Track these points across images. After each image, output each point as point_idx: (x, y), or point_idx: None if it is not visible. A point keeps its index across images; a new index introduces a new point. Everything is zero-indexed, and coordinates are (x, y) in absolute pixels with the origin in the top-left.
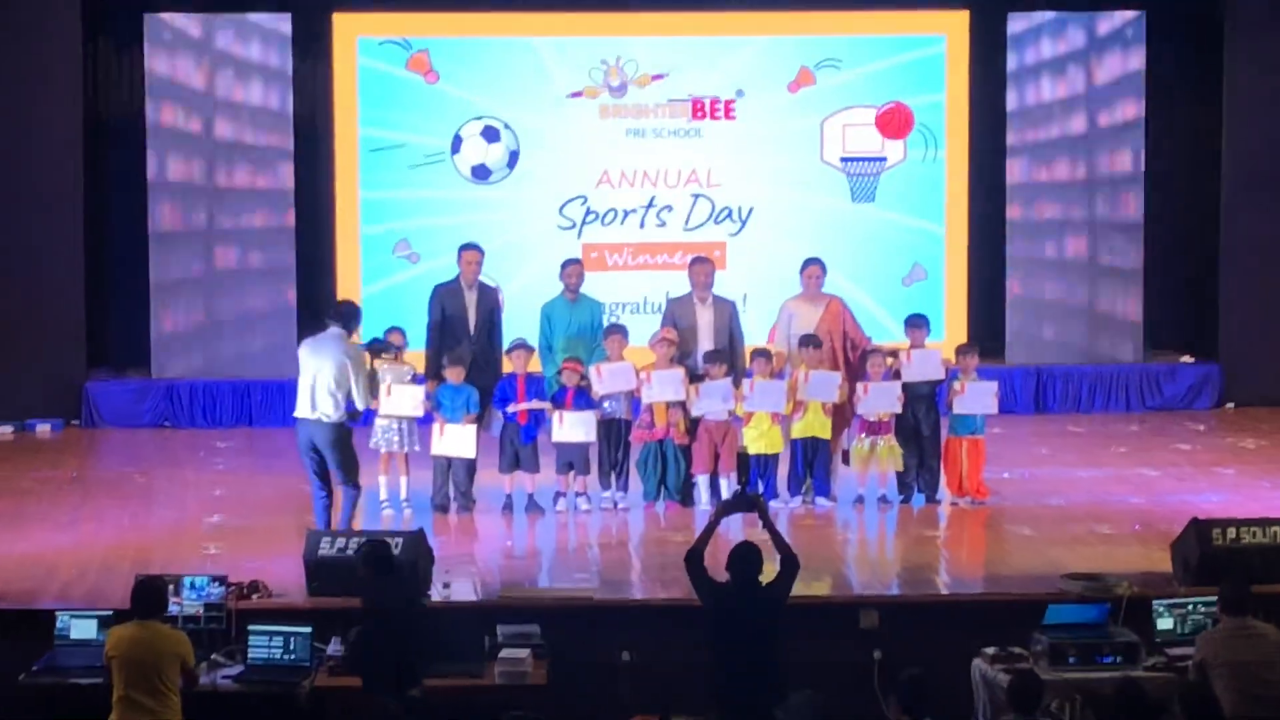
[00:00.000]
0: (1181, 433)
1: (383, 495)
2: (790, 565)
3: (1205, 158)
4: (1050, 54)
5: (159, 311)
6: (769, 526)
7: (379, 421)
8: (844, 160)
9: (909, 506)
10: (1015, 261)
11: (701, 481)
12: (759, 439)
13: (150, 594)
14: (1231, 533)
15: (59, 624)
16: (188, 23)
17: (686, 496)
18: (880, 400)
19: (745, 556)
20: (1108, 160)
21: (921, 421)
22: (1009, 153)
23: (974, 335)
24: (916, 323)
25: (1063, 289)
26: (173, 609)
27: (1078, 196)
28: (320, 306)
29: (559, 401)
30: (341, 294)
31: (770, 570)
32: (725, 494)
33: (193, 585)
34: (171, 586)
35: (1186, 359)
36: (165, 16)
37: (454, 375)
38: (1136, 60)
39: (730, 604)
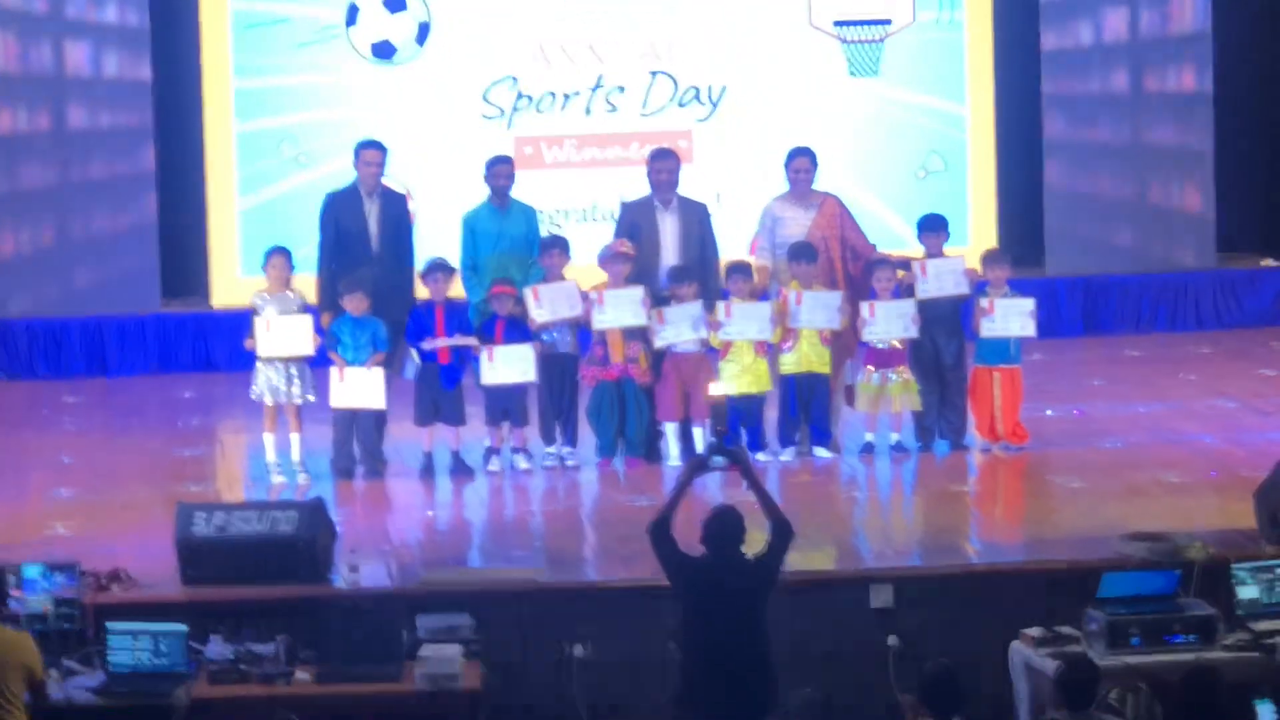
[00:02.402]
0: (1265, 355)
1: (270, 457)
2: (782, 533)
3: None
4: None
5: None
6: (754, 485)
7: (260, 366)
8: (838, 24)
9: (930, 455)
10: (1054, 147)
11: (670, 431)
12: (740, 375)
13: None
14: None
15: None
16: None
17: (651, 450)
18: (891, 323)
19: (725, 524)
20: (1166, 18)
21: (942, 349)
22: (1043, 11)
23: (1005, 240)
24: (933, 225)
25: (1114, 179)
26: (13, 605)
27: (1130, 63)
28: (187, 223)
29: (487, 335)
30: (213, 206)
31: (757, 540)
32: (699, 446)
33: (39, 575)
34: (11, 578)
35: (1269, 262)
36: None
37: (354, 305)
38: None
39: (707, 583)
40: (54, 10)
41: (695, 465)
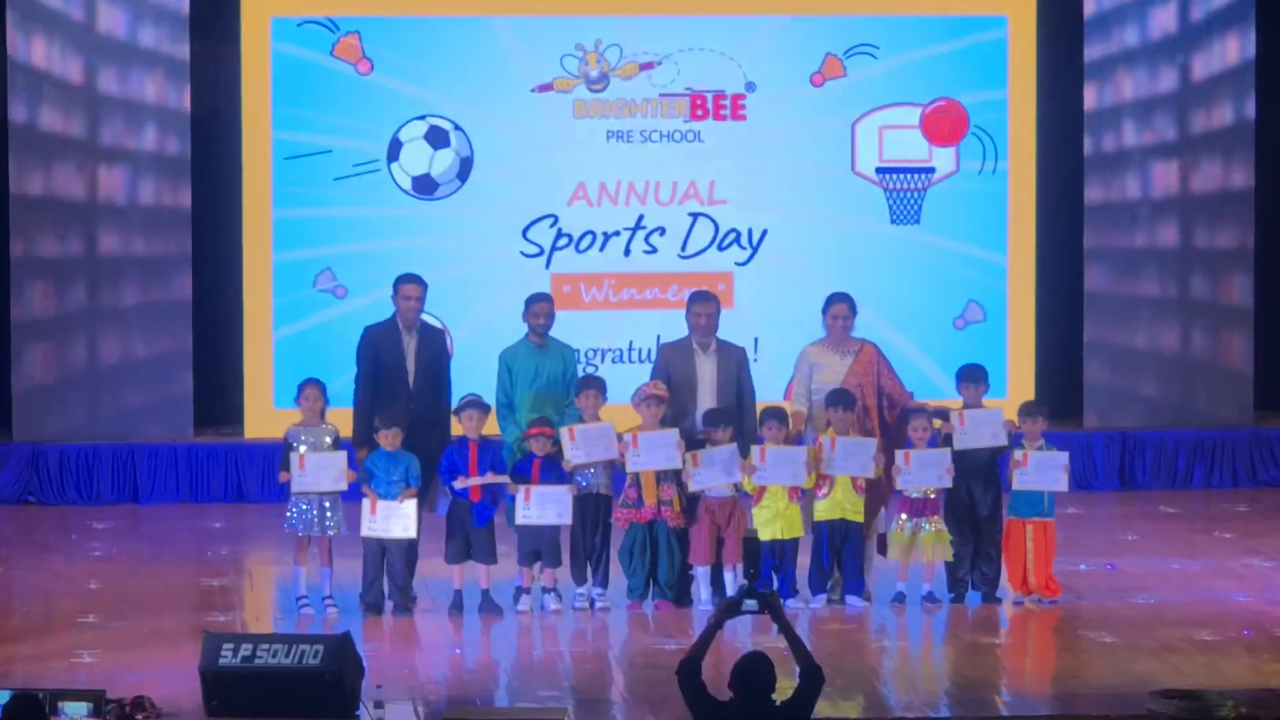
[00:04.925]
0: None
1: (300, 590)
2: (812, 680)
3: None
4: (1138, 41)
5: (21, 358)
6: (785, 631)
7: (294, 498)
8: (881, 172)
9: (962, 606)
10: (1094, 300)
11: (701, 575)
12: (773, 521)
13: (27, 714)
14: None
15: None
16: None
17: (682, 594)
18: (926, 473)
19: (754, 669)
20: (1210, 175)
21: (978, 500)
22: (1087, 164)
23: (1043, 392)
24: (973, 376)
25: (1154, 334)
26: None
27: (1172, 219)
28: (222, 352)
29: (523, 474)
30: (249, 336)
31: (786, 686)
32: (730, 590)
33: (61, 703)
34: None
35: None
36: None
37: (389, 440)
38: (1243, 48)
39: None
40: (94, 136)
41: (726, 608)
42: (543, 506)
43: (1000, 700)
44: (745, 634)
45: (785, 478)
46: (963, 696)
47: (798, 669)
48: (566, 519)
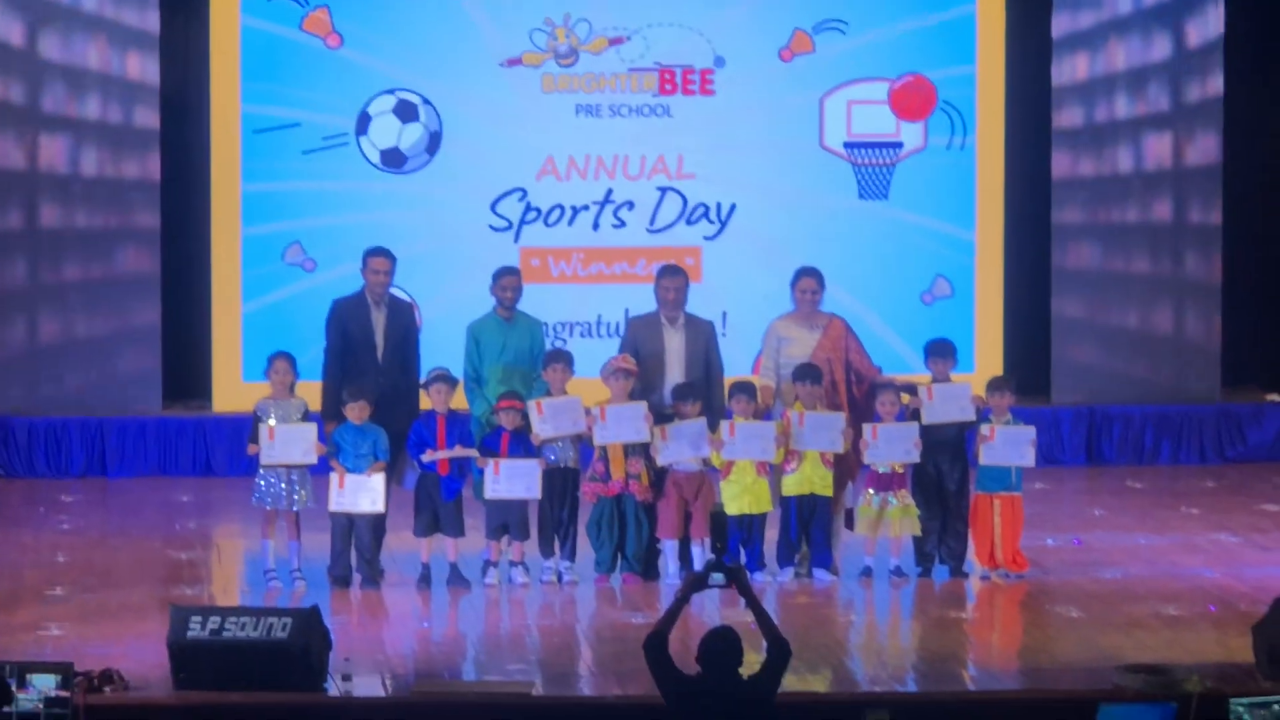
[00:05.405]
0: (1267, 490)
1: (268, 563)
2: (779, 654)
3: None
4: (1108, 16)
5: None
6: (753, 605)
7: (262, 471)
8: (849, 146)
9: (929, 581)
10: (1062, 275)
11: (669, 548)
12: (741, 495)
13: None
14: None
15: None
16: None
17: (649, 567)
18: (893, 447)
19: (721, 643)
20: (1178, 151)
21: (945, 475)
22: (1055, 140)
23: (1010, 367)
24: (940, 350)
25: (1122, 310)
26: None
27: (1140, 194)
28: (191, 326)
29: (492, 448)
30: (217, 309)
31: (753, 660)
32: (698, 564)
33: (29, 675)
34: (13, 679)
35: (1273, 397)
36: None
37: (357, 414)
38: (1214, 24)
39: (702, 702)
40: (61, 108)
41: (693, 582)
42: (511, 480)
43: (967, 675)
44: (712, 608)
45: (754, 452)
46: (929, 671)
47: (765, 643)
48: (535, 493)
